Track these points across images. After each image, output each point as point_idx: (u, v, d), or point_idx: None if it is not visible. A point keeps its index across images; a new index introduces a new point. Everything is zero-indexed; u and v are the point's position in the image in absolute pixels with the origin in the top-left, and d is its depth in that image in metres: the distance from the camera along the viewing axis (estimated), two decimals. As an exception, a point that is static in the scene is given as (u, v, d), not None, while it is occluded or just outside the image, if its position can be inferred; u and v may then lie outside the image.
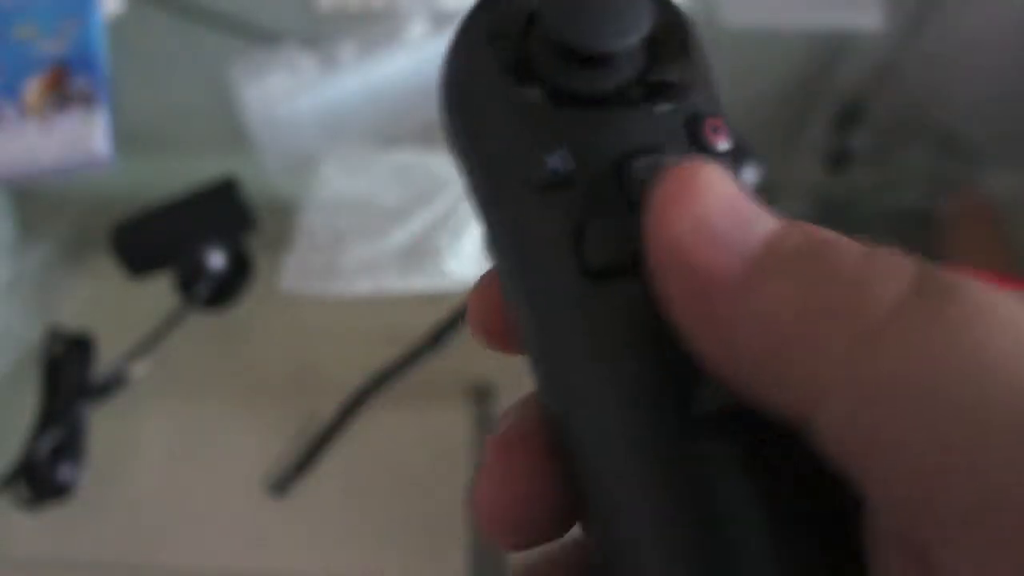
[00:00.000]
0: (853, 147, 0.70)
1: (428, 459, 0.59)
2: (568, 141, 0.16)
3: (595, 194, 0.16)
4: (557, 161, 0.16)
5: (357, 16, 0.77)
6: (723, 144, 0.17)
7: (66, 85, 0.70)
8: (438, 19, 0.67)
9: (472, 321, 0.19)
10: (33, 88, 0.70)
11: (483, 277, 0.19)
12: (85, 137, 0.68)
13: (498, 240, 0.18)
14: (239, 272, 0.63)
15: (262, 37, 0.76)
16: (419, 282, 0.61)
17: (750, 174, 0.60)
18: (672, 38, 0.17)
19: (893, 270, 0.14)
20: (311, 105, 0.64)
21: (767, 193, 0.65)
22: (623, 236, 0.16)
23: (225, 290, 0.63)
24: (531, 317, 0.17)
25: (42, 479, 0.55)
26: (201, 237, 0.60)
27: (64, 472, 0.55)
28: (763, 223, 0.15)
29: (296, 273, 0.62)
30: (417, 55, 0.65)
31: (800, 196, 0.70)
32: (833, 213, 0.70)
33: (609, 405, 0.15)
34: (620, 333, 0.15)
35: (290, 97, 0.63)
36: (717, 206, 0.15)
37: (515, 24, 0.17)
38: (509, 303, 0.18)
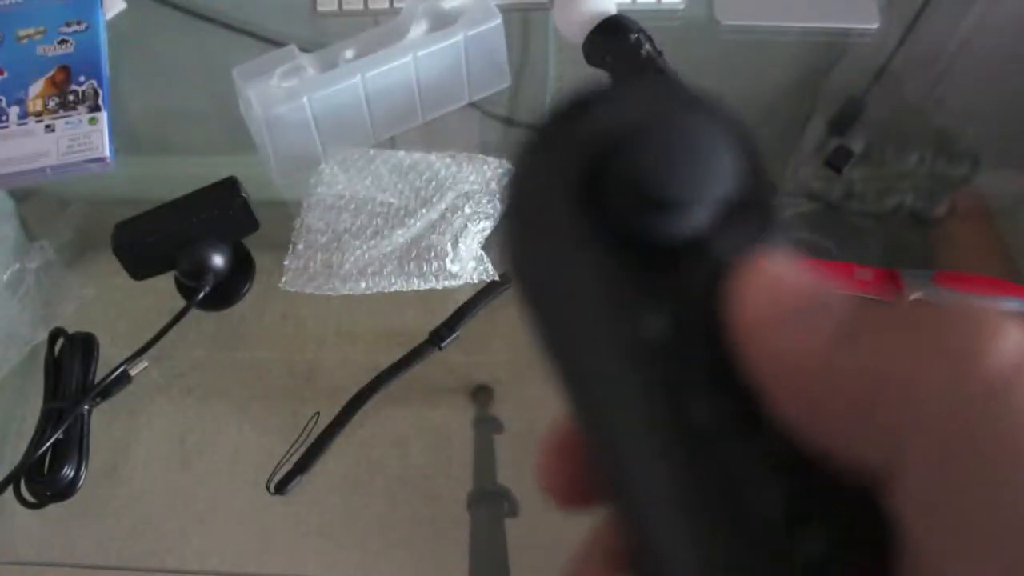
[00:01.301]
0: (851, 148, 0.70)
1: (428, 459, 0.59)
2: (663, 300, 0.15)
3: (691, 363, 0.15)
4: (654, 323, 0.15)
5: (357, 17, 0.78)
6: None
7: (69, 87, 0.70)
8: (438, 20, 0.67)
9: (548, 485, 0.18)
10: (37, 90, 0.70)
11: (555, 438, 0.18)
12: (88, 138, 0.68)
13: (586, 410, 0.17)
14: (240, 272, 0.64)
15: (263, 38, 0.76)
16: (419, 282, 0.61)
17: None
18: (755, 194, 0.16)
19: (996, 337, 0.14)
20: (312, 106, 0.64)
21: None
22: (726, 406, 0.15)
23: (226, 290, 0.63)
24: (621, 482, 0.16)
25: (44, 479, 0.55)
26: (202, 237, 0.60)
27: (66, 472, 0.55)
28: (834, 299, 0.16)
29: (297, 273, 0.62)
30: (417, 56, 0.65)
31: (799, 196, 0.70)
32: (831, 214, 0.70)
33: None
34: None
35: (291, 98, 0.63)
36: (790, 293, 0.15)
37: (581, 164, 0.16)
38: (597, 467, 0.17)
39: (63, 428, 0.56)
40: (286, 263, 0.63)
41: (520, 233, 0.16)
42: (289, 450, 0.58)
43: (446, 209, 0.62)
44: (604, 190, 0.15)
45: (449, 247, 0.61)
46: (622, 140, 0.15)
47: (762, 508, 0.15)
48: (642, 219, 0.15)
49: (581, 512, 0.18)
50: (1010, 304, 0.63)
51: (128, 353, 0.59)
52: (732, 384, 0.15)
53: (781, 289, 0.15)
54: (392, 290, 0.62)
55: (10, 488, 0.54)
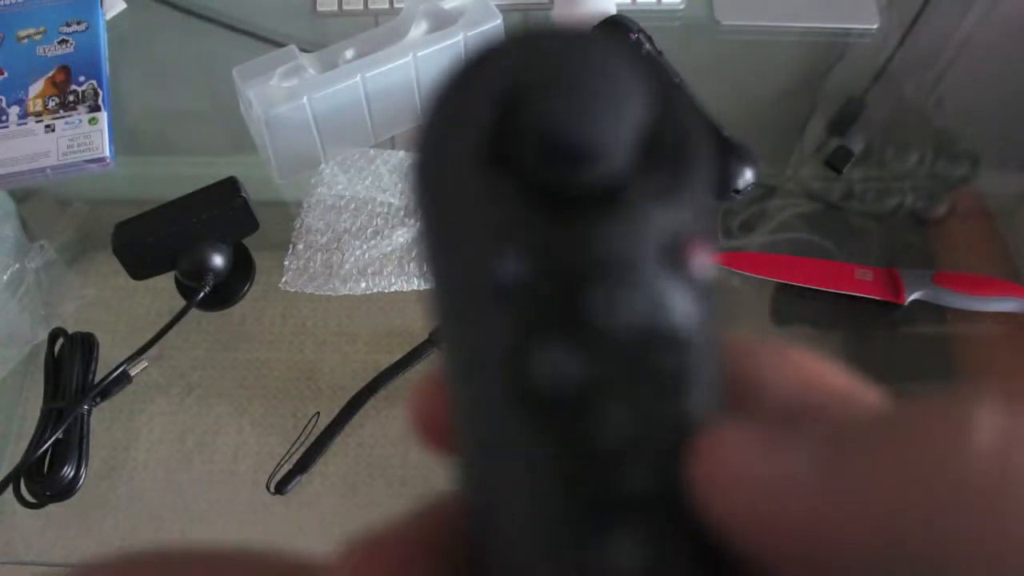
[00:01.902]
0: (851, 148, 0.70)
1: (428, 459, 0.59)
2: (529, 244, 0.14)
3: (547, 310, 0.14)
4: (510, 266, 0.14)
5: (357, 17, 0.78)
6: (704, 271, 0.15)
7: (69, 87, 0.70)
8: (438, 20, 0.67)
9: (416, 424, 0.17)
10: (37, 90, 0.70)
11: (427, 381, 0.17)
12: (88, 139, 0.68)
13: (446, 342, 0.15)
14: (240, 272, 0.64)
15: (263, 39, 0.76)
16: (419, 282, 0.61)
17: (750, 175, 0.61)
18: (673, 134, 0.15)
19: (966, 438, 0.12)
20: (312, 106, 0.64)
21: (766, 194, 0.66)
22: (570, 362, 0.14)
23: (226, 290, 0.63)
24: (464, 430, 0.15)
25: (44, 479, 0.55)
26: (202, 238, 0.60)
27: (66, 472, 0.55)
28: (800, 445, 0.14)
29: (297, 273, 0.63)
30: (417, 56, 0.65)
31: (799, 196, 0.70)
32: (831, 214, 0.70)
33: (529, 539, 0.14)
34: (547, 471, 0.14)
35: (291, 98, 0.63)
36: (750, 472, 0.14)
37: (494, 104, 0.14)
38: (451, 409, 0.16)
39: (63, 428, 0.56)
40: (286, 263, 0.63)
41: (421, 160, 0.15)
42: (289, 450, 0.58)
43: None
44: (509, 148, 0.14)
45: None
46: (518, 90, 0.14)
47: (599, 492, 0.14)
48: (550, 169, 0.14)
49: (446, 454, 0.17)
50: (1010, 304, 0.63)
51: (128, 353, 0.59)
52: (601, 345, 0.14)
53: (736, 463, 0.14)
54: (392, 290, 0.62)
55: (10, 488, 0.54)
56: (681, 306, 0.14)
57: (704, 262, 0.15)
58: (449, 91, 0.15)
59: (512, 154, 0.14)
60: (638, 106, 0.14)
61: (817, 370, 0.16)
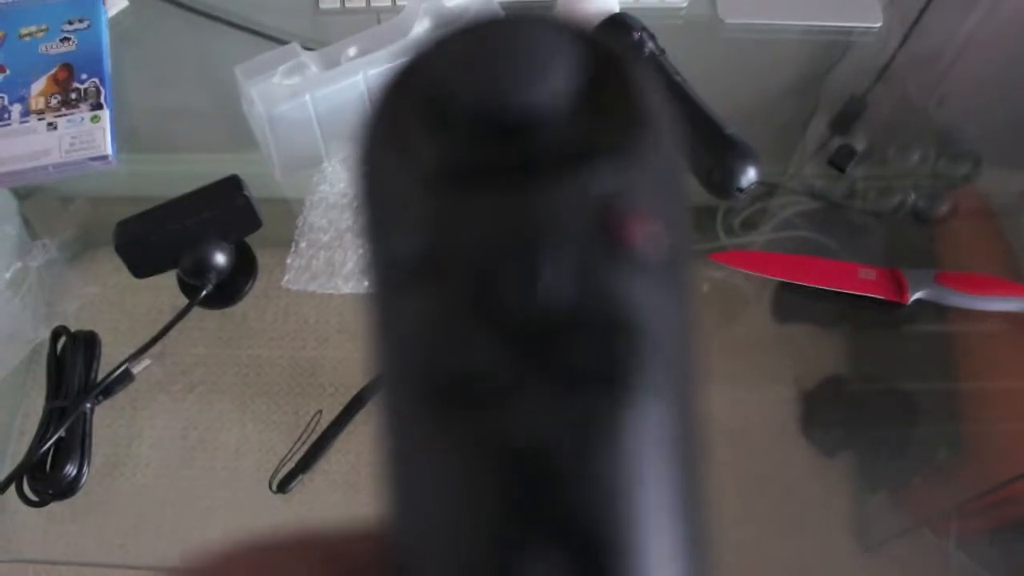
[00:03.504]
0: (854, 147, 0.70)
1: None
2: (432, 220, 0.13)
3: (451, 298, 0.12)
4: (408, 243, 0.13)
5: (360, 15, 0.78)
6: (651, 249, 0.13)
7: (72, 85, 0.70)
8: (440, 18, 0.67)
9: None
10: (39, 88, 0.70)
11: None
12: (90, 136, 0.68)
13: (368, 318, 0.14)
14: (242, 270, 0.64)
15: (265, 36, 0.76)
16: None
17: (752, 173, 0.61)
18: (612, 96, 0.13)
19: None
20: (314, 104, 0.64)
21: (768, 193, 0.66)
22: (480, 349, 0.12)
23: (228, 288, 0.63)
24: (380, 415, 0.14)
25: (47, 477, 0.55)
26: (204, 236, 0.60)
27: (68, 470, 0.55)
28: None
29: (299, 271, 0.63)
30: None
31: (800, 195, 0.70)
32: (834, 212, 0.70)
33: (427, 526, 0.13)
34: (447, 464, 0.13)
35: (293, 96, 0.63)
36: None
37: (416, 94, 0.14)
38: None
39: (65, 426, 0.56)
40: (288, 261, 0.63)
41: (360, 149, 0.14)
42: (291, 448, 0.58)
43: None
44: (442, 129, 0.13)
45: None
46: (437, 76, 0.14)
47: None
48: (477, 142, 0.13)
49: None
50: (1013, 304, 0.63)
51: (130, 351, 0.59)
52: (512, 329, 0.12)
53: None
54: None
55: (13, 486, 0.54)
56: (614, 287, 0.12)
57: (650, 239, 0.12)
58: (380, 95, 0.15)
59: (446, 135, 0.13)
60: (557, 76, 0.13)
61: None
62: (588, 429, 0.12)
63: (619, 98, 0.13)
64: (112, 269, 0.61)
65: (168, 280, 0.62)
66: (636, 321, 0.12)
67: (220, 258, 0.60)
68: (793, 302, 0.66)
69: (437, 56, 0.14)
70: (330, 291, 0.62)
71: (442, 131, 0.13)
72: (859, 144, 0.70)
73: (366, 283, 0.14)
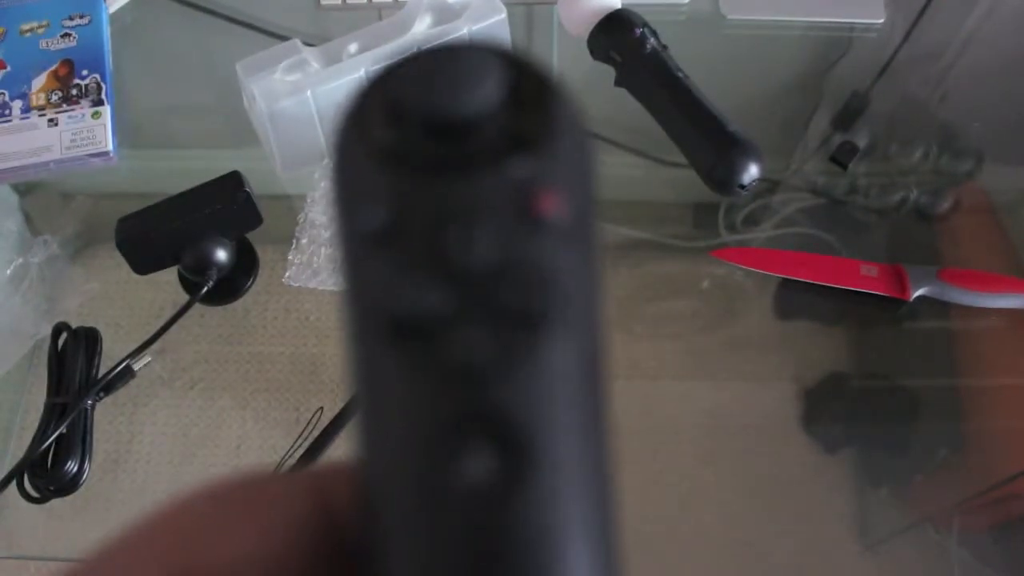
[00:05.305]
0: (856, 143, 0.70)
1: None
2: (391, 198, 0.16)
3: (406, 256, 0.16)
4: (372, 216, 0.16)
5: (361, 11, 0.77)
6: (559, 218, 0.16)
7: (72, 81, 0.70)
8: (442, 14, 0.67)
9: None
10: (40, 84, 0.70)
11: None
12: (91, 133, 0.68)
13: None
14: (243, 267, 0.64)
15: (267, 32, 0.76)
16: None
17: (754, 170, 0.60)
18: (530, 104, 0.17)
19: None
20: (315, 100, 0.64)
21: (770, 189, 0.65)
22: (431, 295, 0.16)
23: (229, 285, 0.63)
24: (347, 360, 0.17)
25: (47, 474, 0.55)
26: (206, 232, 0.60)
27: (69, 467, 0.55)
28: None
29: (300, 268, 0.62)
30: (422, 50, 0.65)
31: (802, 191, 0.70)
32: (836, 209, 0.70)
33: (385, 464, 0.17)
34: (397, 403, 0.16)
35: (295, 92, 0.63)
36: None
37: (377, 99, 0.18)
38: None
39: (67, 423, 0.56)
40: (290, 257, 0.63)
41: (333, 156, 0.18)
42: (293, 445, 0.58)
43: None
44: (397, 132, 0.17)
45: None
46: (396, 88, 0.17)
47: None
48: (426, 141, 0.16)
49: None
50: (1015, 300, 0.63)
51: (132, 348, 0.59)
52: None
53: None
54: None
55: (14, 483, 0.54)
56: (530, 247, 0.16)
57: (558, 211, 0.16)
58: (352, 98, 0.18)
59: (401, 132, 0.17)
60: (486, 88, 0.17)
61: None
62: (512, 351, 0.16)
63: (536, 105, 0.17)
64: (113, 265, 0.61)
65: (169, 276, 0.62)
66: (548, 271, 0.16)
67: (221, 254, 0.60)
68: (795, 299, 0.66)
69: (398, 72, 0.18)
70: (331, 288, 0.62)
71: (399, 129, 0.17)
72: (861, 141, 0.70)
73: (335, 247, 0.18)
